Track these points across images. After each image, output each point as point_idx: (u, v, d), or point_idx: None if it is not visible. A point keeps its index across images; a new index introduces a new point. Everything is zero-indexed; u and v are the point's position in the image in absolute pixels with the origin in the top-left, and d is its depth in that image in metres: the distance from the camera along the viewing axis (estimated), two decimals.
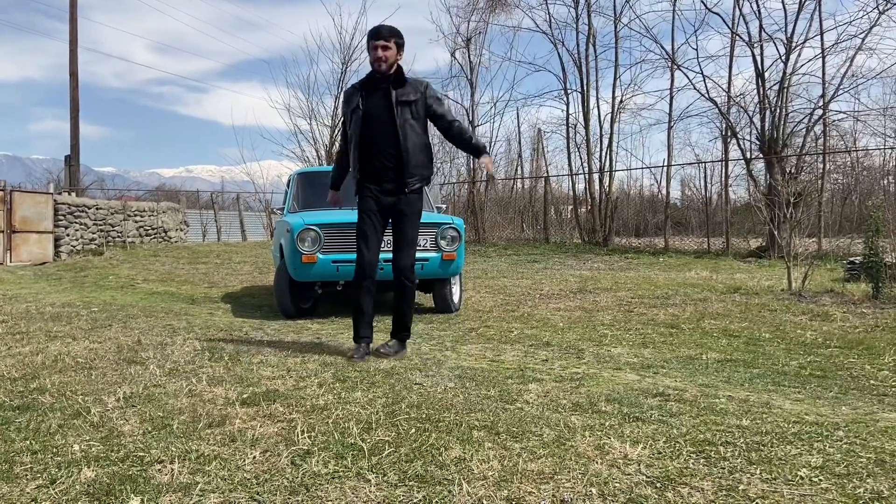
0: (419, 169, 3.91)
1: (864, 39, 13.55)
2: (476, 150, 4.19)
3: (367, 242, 3.94)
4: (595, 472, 1.99)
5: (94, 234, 15.22)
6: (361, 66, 19.09)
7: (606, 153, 17.85)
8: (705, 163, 17.98)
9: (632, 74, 30.41)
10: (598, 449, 2.19)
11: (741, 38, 14.99)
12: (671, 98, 16.94)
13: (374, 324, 5.49)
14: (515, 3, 18.99)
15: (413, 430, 2.37)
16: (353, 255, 5.81)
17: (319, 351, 4.08)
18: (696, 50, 16.52)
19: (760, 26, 14.50)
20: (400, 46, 3.84)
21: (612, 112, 17.88)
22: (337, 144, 19.92)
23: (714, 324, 5.27)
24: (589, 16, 17.73)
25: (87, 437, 2.31)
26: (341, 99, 3.97)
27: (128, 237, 15.96)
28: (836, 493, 1.84)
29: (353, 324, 3.99)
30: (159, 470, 2.01)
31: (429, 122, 4.00)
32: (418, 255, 5.88)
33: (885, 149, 17.18)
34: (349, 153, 3.98)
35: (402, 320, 4.06)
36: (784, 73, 14.11)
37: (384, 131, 3.81)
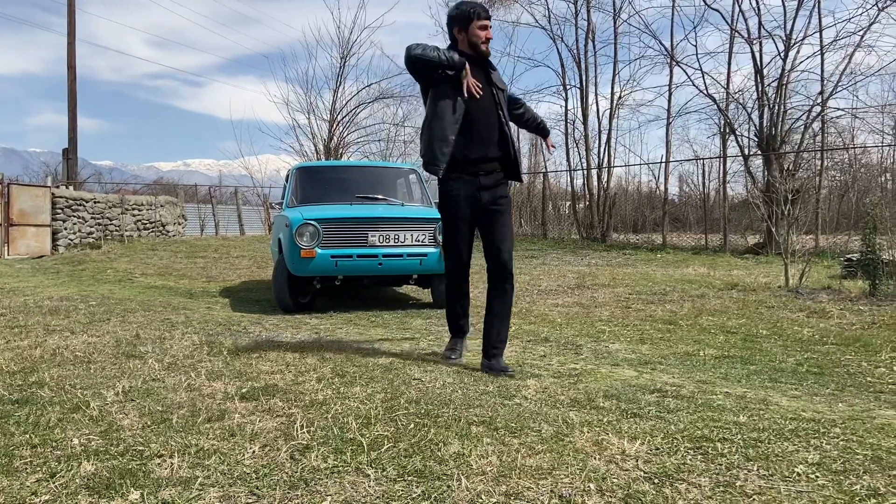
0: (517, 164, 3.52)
1: (863, 36, 13.57)
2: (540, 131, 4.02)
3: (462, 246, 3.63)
4: (593, 467, 2.00)
5: (91, 227, 15.19)
6: (360, 61, 19.03)
7: (605, 149, 17.86)
8: (703, 159, 18.00)
9: (631, 70, 30.62)
10: (596, 444, 2.20)
11: (740, 34, 15.01)
12: (670, 94, 16.93)
13: (373, 319, 5.52)
14: None
15: (412, 426, 2.38)
16: (350, 251, 5.84)
17: (318, 346, 4.08)
18: (696, 46, 16.51)
19: (760, 23, 14.52)
20: None
21: (611, 108, 17.89)
22: (336, 139, 19.89)
23: (711, 320, 5.28)
24: (588, 11, 17.71)
25: (87, 431, 2.31)
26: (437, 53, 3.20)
27: (126, 231, 15.93)
28: (833, 490, 1.85)
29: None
30: (159, 464, 2.01)
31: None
32: (417, 250, 5.90)
33: (882, 146, 17.25)
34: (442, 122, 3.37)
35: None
36: (783, 69, 14.12)
37: (489, 119, 3.41)
